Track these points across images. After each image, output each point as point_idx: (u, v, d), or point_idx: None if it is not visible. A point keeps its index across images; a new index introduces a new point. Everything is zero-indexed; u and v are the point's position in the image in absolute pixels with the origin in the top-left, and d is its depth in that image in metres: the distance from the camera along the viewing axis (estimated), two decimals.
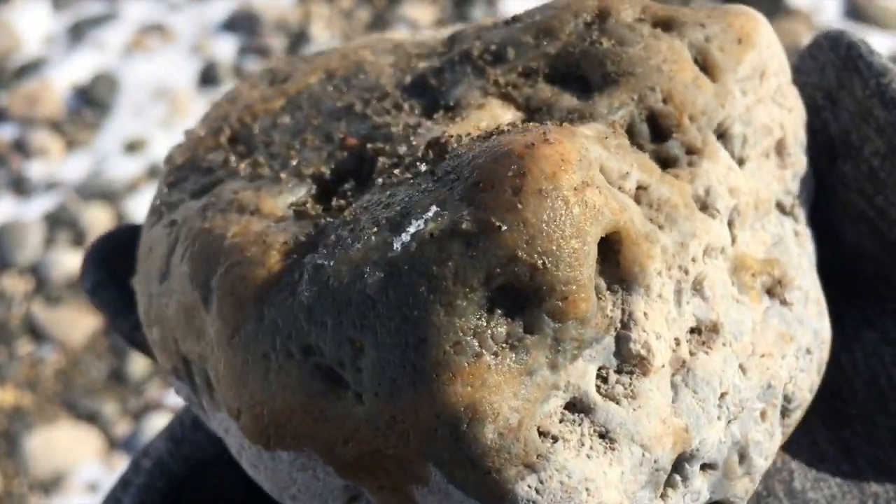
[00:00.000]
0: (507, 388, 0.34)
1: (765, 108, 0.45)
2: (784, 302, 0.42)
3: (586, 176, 0.35)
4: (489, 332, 0.34)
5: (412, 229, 0.35)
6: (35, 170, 2.41)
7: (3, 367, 2.02)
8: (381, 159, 0.42)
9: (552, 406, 0.35)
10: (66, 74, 2.59)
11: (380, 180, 0.41)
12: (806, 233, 0.46)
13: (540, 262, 0.33)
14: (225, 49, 2.61)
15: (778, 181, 0.46)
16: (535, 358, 0.34)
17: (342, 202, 0.41)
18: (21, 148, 2.46)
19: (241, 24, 2.65)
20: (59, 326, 2.07)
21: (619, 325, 0.37)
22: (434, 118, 0.44)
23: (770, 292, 0.43)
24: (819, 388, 0.45)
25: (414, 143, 0.42)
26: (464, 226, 0.34)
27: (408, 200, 0.37)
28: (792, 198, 0.46)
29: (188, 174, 0.48)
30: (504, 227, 0.33)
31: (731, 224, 0.42)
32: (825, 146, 0.48)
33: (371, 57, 0.50)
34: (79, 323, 2.07)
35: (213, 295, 0.40)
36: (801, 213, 0.47)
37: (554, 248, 0.34)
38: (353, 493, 0.37)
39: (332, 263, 0.36)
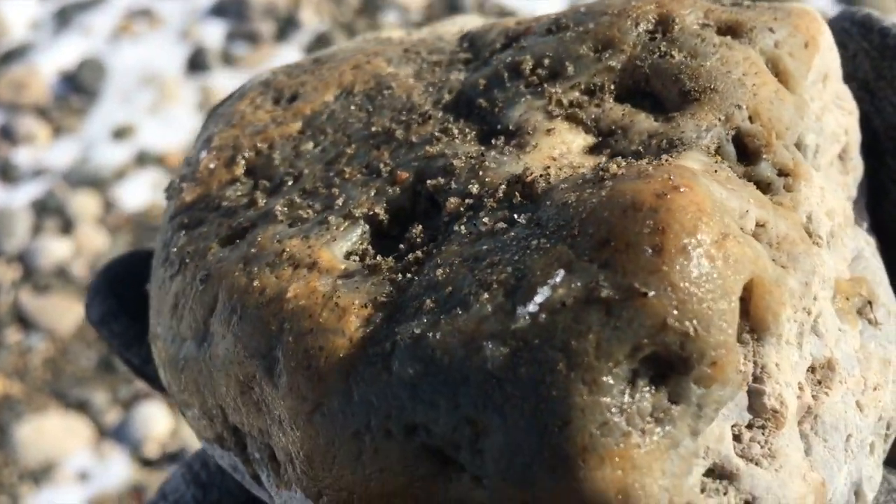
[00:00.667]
0: (657, 467, 0.31)
1: (831, 114, 0.42)
2: (872, 322, 0.40)
3: (723, 225, 0.33)
4: (635, 407, 0.31)
5: (539, 298, 0.32)
6: (22, 156, 2.38)
7: None
8: (452, 200, 0.39)
9: (695, 477, 0.32)
10: (53, 60, 2.56)
11: (462, 229, 0.37)
12: (872, 241, 0.44)
13: (691, 328, 0.31)
14: (213, 34, 2.58)
15: (842, 188, 0.43)
16: (680, 429, 0.32)
17: (419, 254, 0.38)
18: (7, 134, 2.43)
19: (230, 8, 2.63)
20: (47, 315, 2.06)
21: (751, 379, 0.34)
22: (495, 145, 0.41)
23: (859, 313, 0.40)
24: None
25: (486, 179, 0.38)
26: (603, 293, 0.31)
27: (518, 259, 0.34)
28: (853, 204, 0.43)
29: (205, 214, 0.44)
30: (651, 293, 0.31)
31: (827, 248, 0.39)
32: (870, 142, 0.45)
33: (388, 67, 0.47)
34: (67, 311, 2.06)
35: (279, 366, 0.37)
36: (864, 220, 0.44)
37: (704, 310, 0.31)
38: None
39: (436, 336, 0.33)
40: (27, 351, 2.02)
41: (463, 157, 0.40)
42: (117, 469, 1.81)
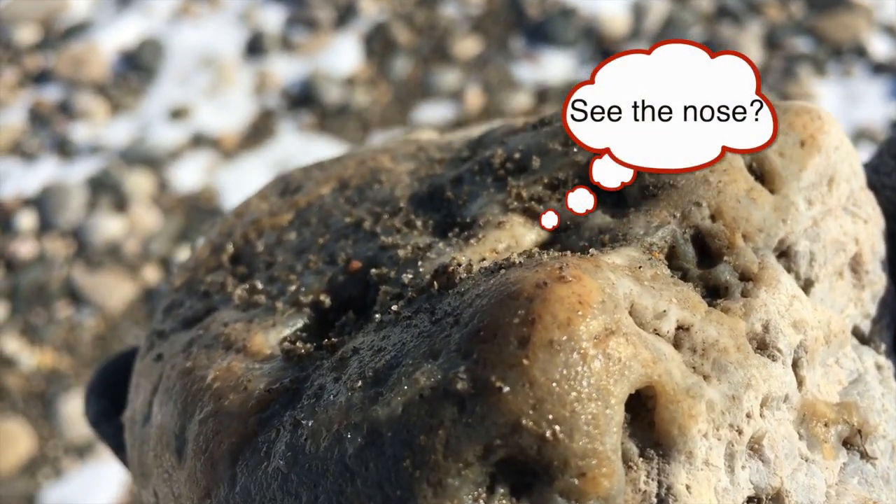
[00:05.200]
0: None
1: (835, 219, 0.40)
2: (865, 455, 0.37)
3: (610, 321, 0.31)
4: None
5: (400, 388, 0.30)
6: (79, 132, 2.41)
7: (41, 329, 2.03)
8: (384, 288, 0.38)
9: None
10: (113, 38, 2.58)
11: (377, 316, 0.36)
12: (890, 366, 0.40)
13: (549, 431, 0.29)
14: (272, 19, 2.58)
15: (855, 304, 0.40)
16: None
17: (335, 340, 0.37)
18: (66, 110, 2.46)
19: None
20: (98, 291, 2.08)
21: (654, 501, 0.31)
22: (448, 237, 0.39)
23: (847, 443, 0.37)
24: None
25: (421, 269, 0.37)
26: (459, 385, 0.29)
27: (400, 347, 0.32)
28: (871, 322, 0.41)
29: (184, 298, 0.45)
30: (506, 389, 0.29)
31: (796, 364, 0.37)
32: None
33: (389, 164, 0.46)
34: (118, 289, 2.08)
35: (187, 450, 0.36)
36: (883, 342, 0.41)
37: (567, 413, 0.29)
38: None
39: (310, 423, 0.32)
40: (77, 326, 2.04)
41: (410, 249, 0.39)
42: None
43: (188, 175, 2.28)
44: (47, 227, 2.20)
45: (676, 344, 0.33)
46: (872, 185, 0.43)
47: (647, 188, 0.38)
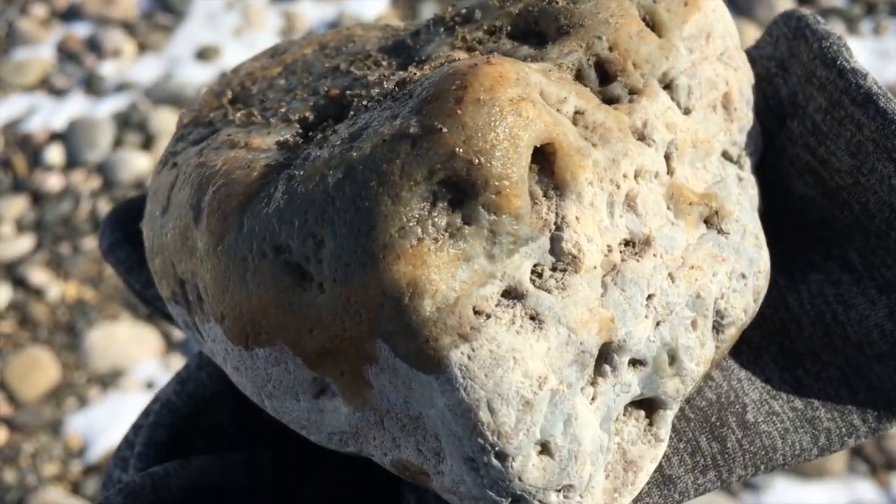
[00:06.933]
0: (446, 270, 0.38)
1: (710, 65, 0.49)
2: (720, 231, 0.46)
3: (523, 92, 0.40)
4: (430, 220, 0.38)
5: (369, 138, 0.40)
6: (107, 69, 2.42)
7: (68, 262, 2.07)
8: (356, 101, 0.48)
9: (488, 291, 0.39)
10: None
11: (352, 113, 0.47)
12: (750, 178, 0.50)
13: (476, 159, 0.38)
14: None
15: (724, 132, 0.50)
16: (473, 246, 0.39)
17: (319, 135, 0.47)
18: (94, 47, 2.47)
19: None
20: None
21: (553, 227, 0.40)
22: (407, 69, 0.49)
23: (707, 222, 0.46)
24: (768, 329, 0.50)
25: (386, 85, 0.47)
26: (411, 130, 0.39)
27: (369, 118, 0.43)
28: (738, 148, 0.51)
29: (192, 129, 0.55)
30: (445, 130, 0.38)
31: (668, 157, 0.46)
32: (776, 109, 0.53)
33: (361, 32, 0.57)
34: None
35: (203, 213, 0.46)
36: (746, 163, 0.51)
37: (488, 147, 0.38)
38: (321, 387, 0.42)
39: (301, 173, 0.42)
40: (102, 260, 2.07)
41: (378, 76, 0.49)
42: None
43: None
44: (74, 161, 2.23)
45: (574, 122, 0.43)
46: (752, 59, 0.54)
47: (562, 28, 0.47)
